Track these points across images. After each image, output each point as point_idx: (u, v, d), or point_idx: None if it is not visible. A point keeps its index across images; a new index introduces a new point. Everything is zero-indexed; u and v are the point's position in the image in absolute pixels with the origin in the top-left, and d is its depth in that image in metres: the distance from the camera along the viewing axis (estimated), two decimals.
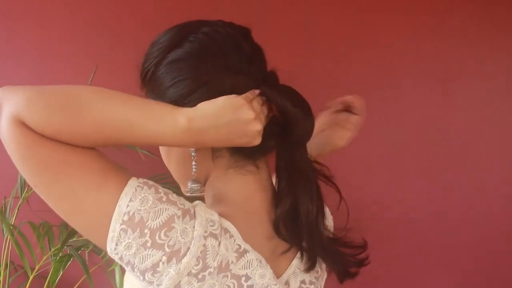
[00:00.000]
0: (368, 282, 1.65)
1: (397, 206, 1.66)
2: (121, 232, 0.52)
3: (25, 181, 1.29)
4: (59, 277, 1.24)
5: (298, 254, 0.64)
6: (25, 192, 1.28)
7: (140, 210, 0.52)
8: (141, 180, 0.54)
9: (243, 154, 0.62)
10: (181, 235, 0.52)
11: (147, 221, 0.52)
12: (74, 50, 1.45)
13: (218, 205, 0.62)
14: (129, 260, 0.53)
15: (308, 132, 0.62)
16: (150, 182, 0.55)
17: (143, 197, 0.52)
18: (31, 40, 1.44)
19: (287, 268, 0.64)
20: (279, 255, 0.63)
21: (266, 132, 0.58)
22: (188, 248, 0.53)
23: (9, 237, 1.22)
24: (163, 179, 1.20)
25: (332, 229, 0.71)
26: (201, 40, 0.61)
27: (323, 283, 0.69)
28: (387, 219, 1.66)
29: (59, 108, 0.51)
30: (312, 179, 0.63)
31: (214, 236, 0.55)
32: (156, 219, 0.52)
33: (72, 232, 1.20)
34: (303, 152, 0.64)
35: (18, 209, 1.29)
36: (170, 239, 0.52)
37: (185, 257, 0.52)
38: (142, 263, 0.52)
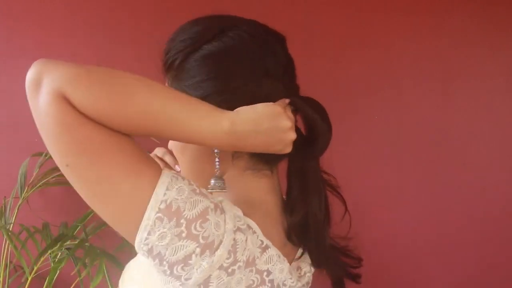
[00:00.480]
0: (368, 282, 1.65)
1: (396, 206, 1.66)
2: (156, 220, 0.50)
3: (25, 181, 1.29)
4: (55, 276, 1.24)
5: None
6: (25, 192, 1.28)
7: (177, 199, 0.51)
8: (173, 172, 0.54)
9: (261, 158, 0.63)
10: (214, 228, 0.52)
11: (184, 211, 0.51)
12: (74, 50, 1.45)
13: (237, 204, 0.61)
14: (159, 252, 0.51)
15: (326, 146, 0.63)
16: (182, 175, 0.54)
17: (179, 186, 0.52)
18: (31, 40, 1.44)
19: (295, 255, 0.66)
20: (292, 259, 0.65)
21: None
22: (221, 241, 0.52)
23: (6, 237, 1.22)
24: None
25: None
26: (242, 38, 0.61)
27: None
28: (386, 219, 1.66)
29: (108, 90, 0.49)
30: (322, 190, 0.65)
31: (242, 231, 0.55)
32: (192, 210, 0.51)
33: (70, 233, 1.21)
34: (316, 163, 0.65)
35: (18, 209, 1.29)
36: (205, 231, 0.51)
37: (219, 250, 0.52)
38: (173, 255, 0.51)
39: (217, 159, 0.61)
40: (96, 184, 0.50)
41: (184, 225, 0.51)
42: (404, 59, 1.64)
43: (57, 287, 1.28)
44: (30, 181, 1.30)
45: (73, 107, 0.48)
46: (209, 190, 0.60)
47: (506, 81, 1.69)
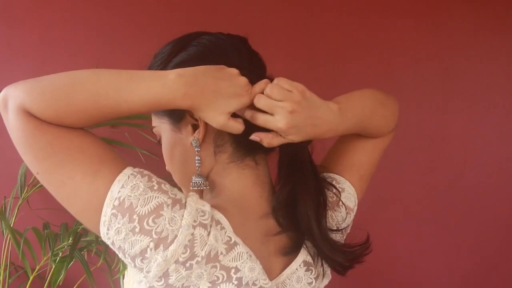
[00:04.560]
0: (367, 282, 1.65)
1: (396, 206, 1.66)
2: (111, 216, 0.54)
3: (25, 181, 1.29)
4: (60, 277, 1.24)
5: (296, 259, 0.65)
6: (24, 192, 1.28)
7: (130, 196, 0.54)
8: (137, 169, 0.57)
9: (243, 149, 0.65)
10: (169, 223, 0.54)
11: (136, 207, 0.54)
12: (74, 50, 1.45)
13: (214, 198, 0.65)
14: (120, 246, 0.55)
15: None
16: (146, 172, 0.57)
17: (134, 184, 0.55)
18: (31, 40, 1.43)
19: (282, 271, 0.64)
20: (275, 257, 0.64)
21: (262, 128, 0.60)
22: (176, 236, 0.54)
23: (8, 237, 1.22)
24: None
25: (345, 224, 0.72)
26: (204, 44, 0.65)
27: (322, 286, 0.69)
28: (386, 219, 1.66)
29: (58, 89, 0.54)
30: (309, 171, 0.65)
31: (204, 226, 0.56)
32: (145, 206, 0.54)
33: (78, 237, 1.20)
34: (304, 148, 0.66)
35: (17, 209, 1.29)
36: (158, 226, 0.54)
37: (172, 245, 0.54)
38: (131, 249, 0.54)
39: (197, 157, 0.64)
40: (60, 187, 0.56)
41: (136, 220, 0.54)
42: (404, 59, 1.64)
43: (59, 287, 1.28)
44: (30, 181, 1.30)
45: (35, 117, 0.54)
46: (191, 188, 0.63)
47: (506, 81, 1.69)
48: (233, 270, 0.57)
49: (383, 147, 0.79)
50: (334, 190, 0.70)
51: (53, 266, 1.23)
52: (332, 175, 0.74)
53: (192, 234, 0.55)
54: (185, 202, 0.57)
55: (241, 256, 0.58)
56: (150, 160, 1.35)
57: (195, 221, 0.55)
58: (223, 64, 0.60)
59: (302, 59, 1.57)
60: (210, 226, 0.57)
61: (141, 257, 0.54)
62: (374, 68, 1.62)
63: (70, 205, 0.57)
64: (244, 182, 0.65)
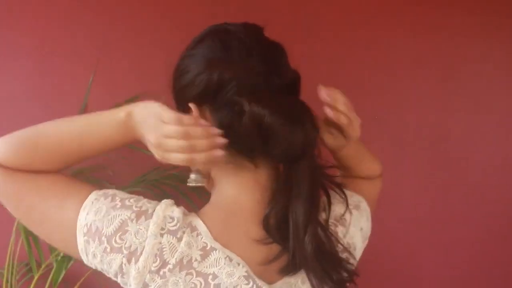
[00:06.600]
0: (367, 281, 1.66)
1: (396, 206, 1.67)
2: (85, 243, 0.57)
3: None
4: (61, 276, 1.25)
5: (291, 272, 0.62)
6: None
7: (95, 220, 0.57)
8: (101, 192, 0.60)
9: (235, 150, 0.61)
10: (135, 236, 0.56)
11: (103, 229, 0.57)
12: (74, 50, 1.45)
13: (211, 198, 0.66)
14: (101, 268, 0.58)
15: (294, 145, 0.58)
16: (110, 192, 0.60)
17: (97, 208, 0.58)
18: (31, 40, 1.44)
19: (279, 280, 0.61)
20: (273, 262, 0.60)
21: (246, 143, 0.59)
22: (144, 247, 0.56)
23: (13, 236, 1.23)
24: (167, 171, 1.25)
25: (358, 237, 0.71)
26: (212, 39, 0.63)
27: None
28: (386, 219, 1.66)
29: (24, 141, 0.61)
30: (307, 188, 0.60)
31: (172, 233, 0.57)
32: (110, 226, 0.56)
33: None
34: (306, 165, 0.61)
35: None
36: (125, 242, 0.56)
37: (142, 256, 0.56)
38: (110, 268, 0.57)
39: None
40: (39, 226, 0.61)
41: (106, 241, 0.56)
42: (404, 59, 1.64)
43: (62, 284, 1.29)
44: None
45: (4, 167, 0.60)
46: (188, 184, 0.65)
47: (506, 81, 1.69)
48: (210, 277, 0.57)
49: (379, 186, 0.86)
50: (344, 202, 0.68)
51: (54, 265, 1.24)
52: (349, 191, 0.72)
53: (160, 242, 0.56)
54: (153, 212, 0.58)
55: (218, 262, 0.57)
56: (153, 160, 1.35)
57: (162, 228, 0.56)
58: (216, 58, 0.60)
59: (301, 58, 1.58)
60: (183, 232, 0.57)
61: (120, 274, 0.57)
62: (374, 68, 1.62)
63: (52, 241, 0.62)
64: (241, 185, 0.63)
